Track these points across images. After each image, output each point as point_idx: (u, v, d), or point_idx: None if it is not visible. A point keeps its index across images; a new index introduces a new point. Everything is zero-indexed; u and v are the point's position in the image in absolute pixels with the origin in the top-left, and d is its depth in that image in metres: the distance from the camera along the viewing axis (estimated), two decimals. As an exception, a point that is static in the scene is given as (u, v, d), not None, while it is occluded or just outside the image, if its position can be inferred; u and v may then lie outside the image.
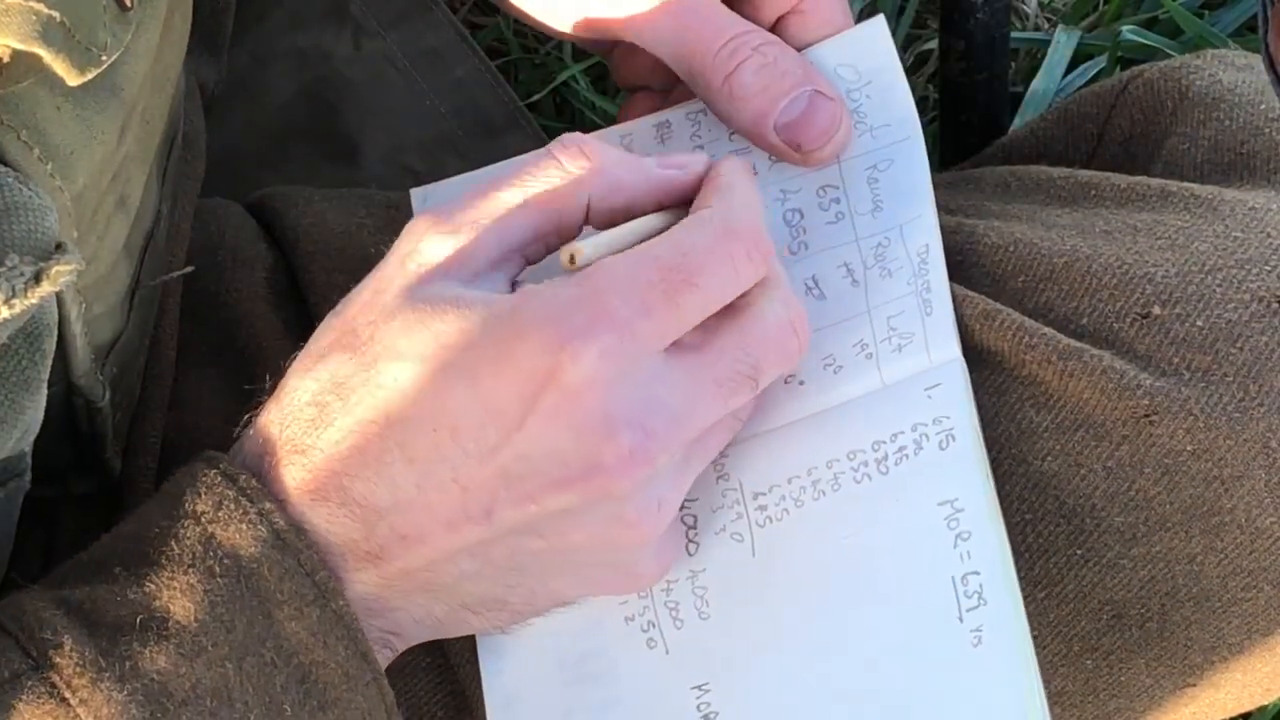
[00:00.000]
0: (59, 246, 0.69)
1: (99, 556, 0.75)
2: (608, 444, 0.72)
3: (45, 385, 0.74)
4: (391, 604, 0.75)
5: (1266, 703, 0.88)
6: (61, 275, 0.68)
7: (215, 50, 1.07)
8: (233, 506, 0.73)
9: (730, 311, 0.76)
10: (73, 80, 0.69)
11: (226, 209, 0.98)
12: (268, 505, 0.73)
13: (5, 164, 0.69)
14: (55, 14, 0.67)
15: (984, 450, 0.79)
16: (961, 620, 0.77)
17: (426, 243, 0.75)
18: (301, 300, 0.93)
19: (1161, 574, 0.81)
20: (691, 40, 0.84)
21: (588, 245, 0.74)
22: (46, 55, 0.67)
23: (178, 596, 0.72)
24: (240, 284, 0.94)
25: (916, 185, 0.83)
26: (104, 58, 0.70)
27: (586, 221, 0.77)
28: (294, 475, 0.74)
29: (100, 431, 0.85)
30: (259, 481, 0.74)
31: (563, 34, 0.87)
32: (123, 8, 0.71)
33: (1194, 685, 0.83)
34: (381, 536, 0.73)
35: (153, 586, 0.72)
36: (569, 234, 0.77)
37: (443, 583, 0.75)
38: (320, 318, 0.91)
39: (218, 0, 1.07)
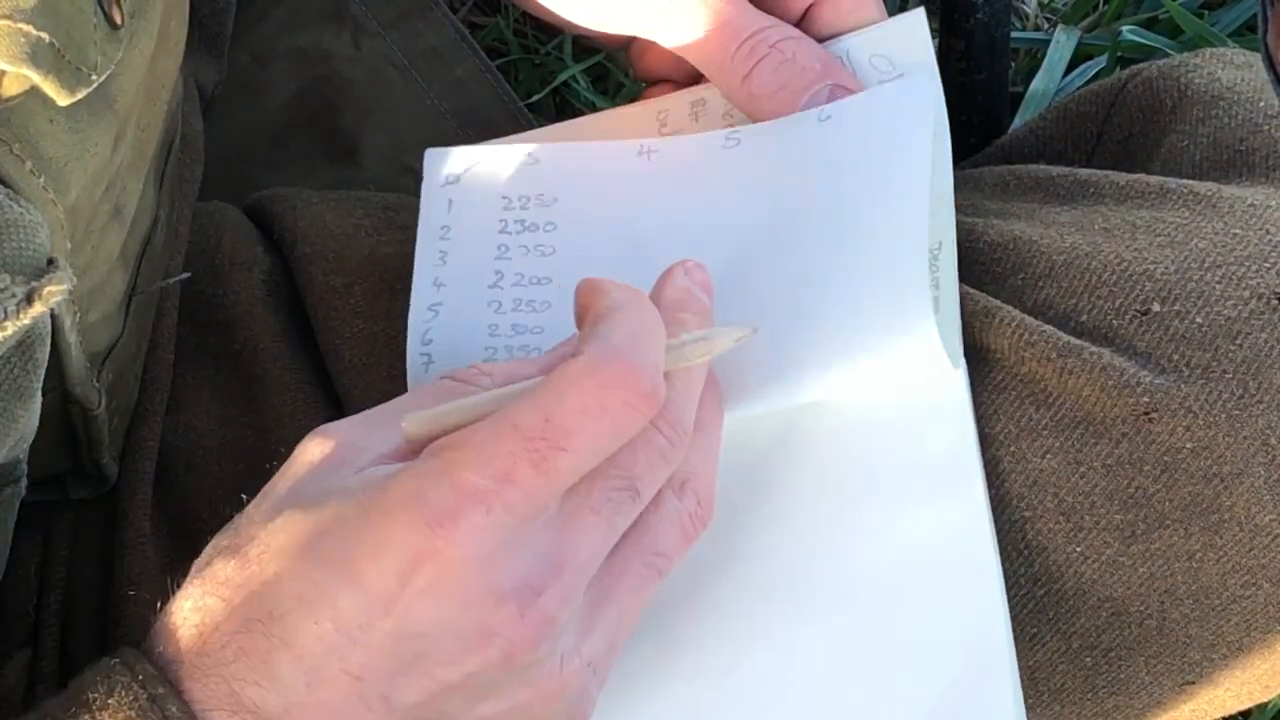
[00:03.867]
0: (51, 263, 0.68)
1: None
2: (497, 611, 0.69)
3: (39, 393, 0.73)
4: None
5: (1266, 700, 0.88)
6: (54, 295, 0.67)
7: (215, 51, 1.07)
8: (124, 693, 0.69)
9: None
10: (63, 100, 0.68)
11: (224, 212, 0.98)
12: (161, 691, 0.69)
13: None
14: (44, 36, 0.66)
15: (982, 469, 0.80)
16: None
17: (317, 441, 0.73)
18: (299, 303, 0.93)
19: (1161, 571, 0.81)
20: (709, 39, 0.83)
21: (417, 417, 0.72)
22: (36, 77, 0.67)
23: None
24: (238, 287, 0.94)
25: (939, 180, 0.83)
26: (94, 77, 0.69)
27: None
28: (189, 685, 0.70)
29: (96, 437, 0.85)
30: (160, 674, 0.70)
31: (580, 28, 0.87)
32: (113, 26, 0.71)
33: (1193, 683, 0.83)
34: None
35: None
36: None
37: None
38: (318, 319, 0.92)
39: (218, 0, 1.07)
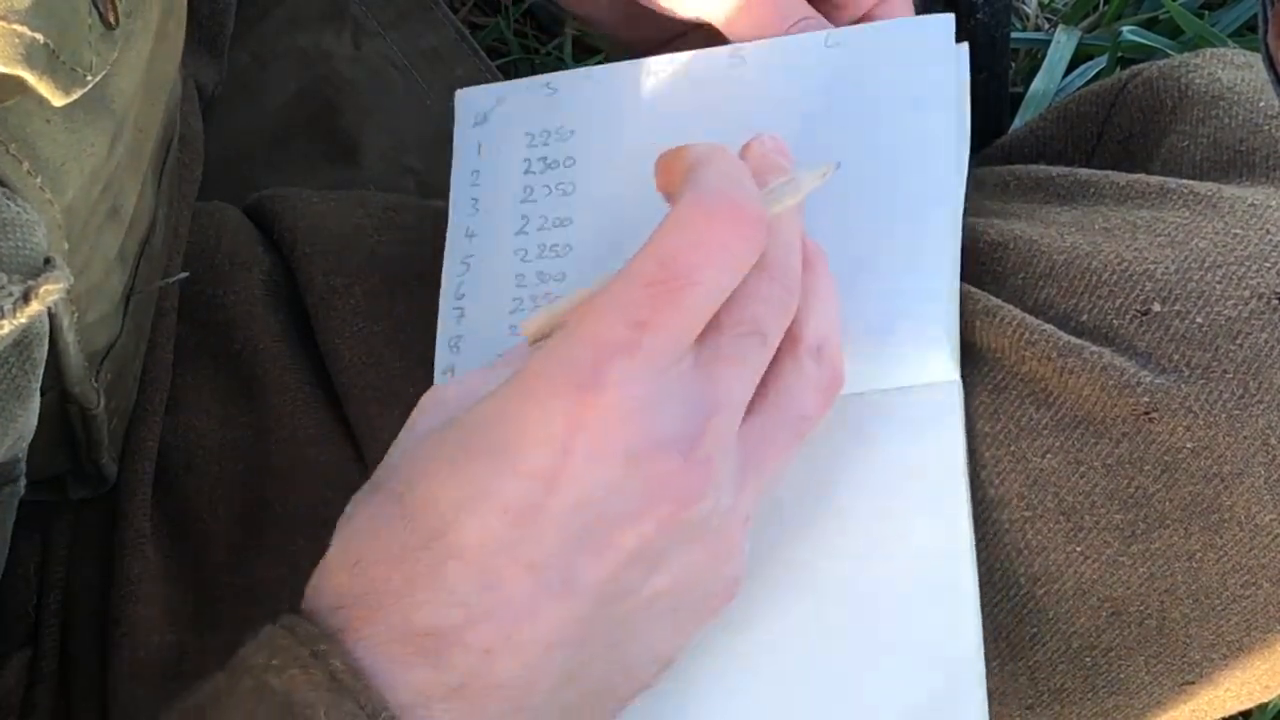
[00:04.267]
0: (48, 262, 0.68)
1: None
2: (661, 462, 0.69)
3: (37, 393, 0.73)
4: None
5: (1266, 700, 0.88)
6: (50, 294, 0.67)
7: (215, 51, 1.07)
8: (287, 653, 0.68)
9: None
10: (58, 101, 0.68)
11: (224, 212, 0.97)
12: (323, 647, 0.68)
13: None
14: (39, 36, 0.66)
15: (968, 486, 0.80)
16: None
17: (436, 391, 0.73)
18: (299, 303, 0.93)
19: (1161, 571, 0.81)
20: (755, 23, 0.85)
21: (534, 316, 0.73)
22: (30, 78, 0.67)
23: None
24: (238, 287, 0.94)
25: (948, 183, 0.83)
26: (89, 78, 0.69)
27: None
28: (357, 630, 0.69)
29: (95, 437, 0.85)
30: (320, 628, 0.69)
31: (629, 23, 0.89)
32: (108, 26, 0.71)
33: (1193, 683, 0.83)
34: (462, 664, 0.69)
35: None
36: None
37: (542, 691, 0.70)
38: (318, 319, 0.92)
39: (218, 1, 1.07)
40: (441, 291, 0.87)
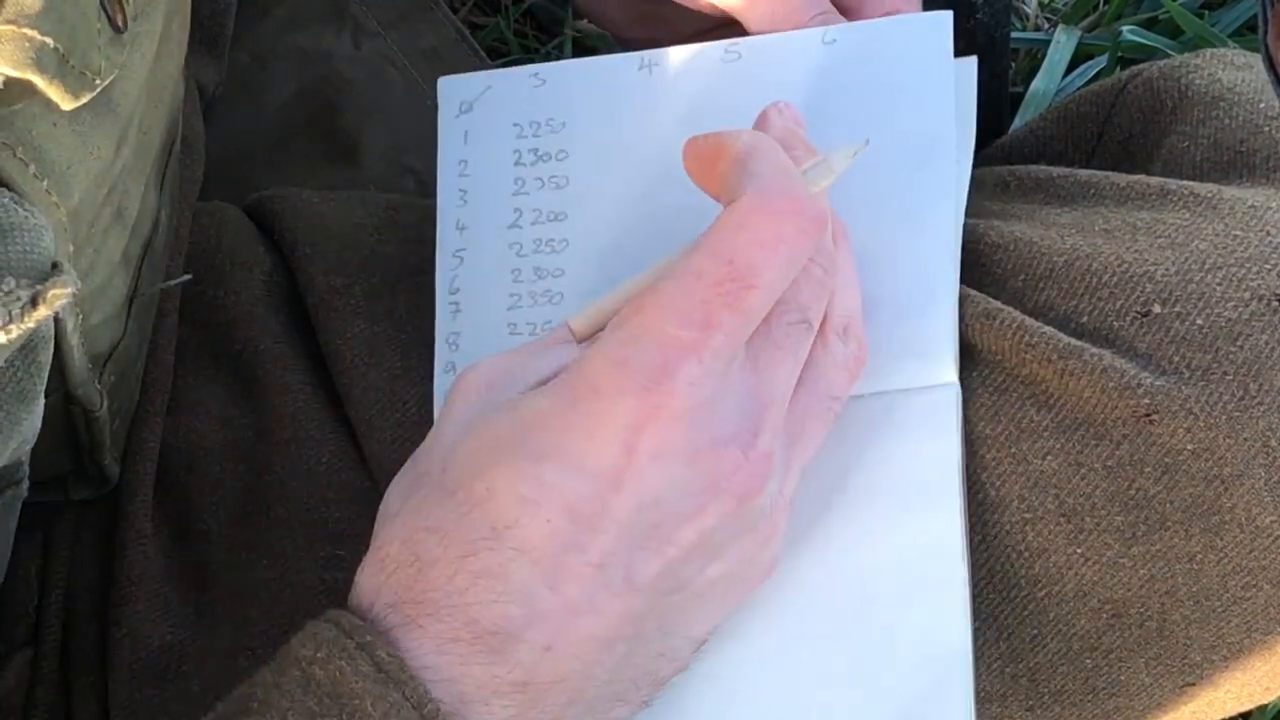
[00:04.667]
0: (55, 266, 0.68)
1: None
2: (723, 459, 0.70)
3: (42, 396, 0.73)
4: None
5: (1266, 702, 0.88)
6: (58, 299, 0.67)
7: (216, 51, 1.07)
8: (332, 645, 0.69)
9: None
10: (67, 105, 0.68)
11: (224, 212, 0.97)
12: (369, 638, 0.69)
13: (1, 183, 0.69)
14: (49, 41, 0.66)
15: (965, 488, 0.80)
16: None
17: (478, 371, 0.73)
18: (300, 303, 0.93)
19: (1161, 573, 0.81)
20: (783, 8, 0.84)
21: (583, 313, 0.74)
22: (41, 82, 0.67)
23: None
24: (238, 287, 0.94)
25: (945, 186, 0.83)
26: (98, 81, 0.69)
27: None
28: (411, 629, 0.70)
29: (98, 439, 0.85)
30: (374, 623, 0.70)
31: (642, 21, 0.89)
32: (117, 30, 0.71)
33: (1193, 684, 0.83)
34: (523, 660, 0.70)
35: None
36: None
37: (596, 683, 0.72)
38: (319, 320, 0.92)
39: (218, 1, 1.07)
40: (436, 286, 0.87)
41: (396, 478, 0.73)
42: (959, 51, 1.14)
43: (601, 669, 0.71)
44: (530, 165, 0.87)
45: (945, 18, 0.85)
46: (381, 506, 0.73)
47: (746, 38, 0.86)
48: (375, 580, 0.71)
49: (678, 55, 0.86)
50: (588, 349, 0.71)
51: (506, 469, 0.69)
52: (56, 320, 0.74)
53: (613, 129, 0.87)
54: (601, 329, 0.72)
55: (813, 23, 0.84)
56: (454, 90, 0.88)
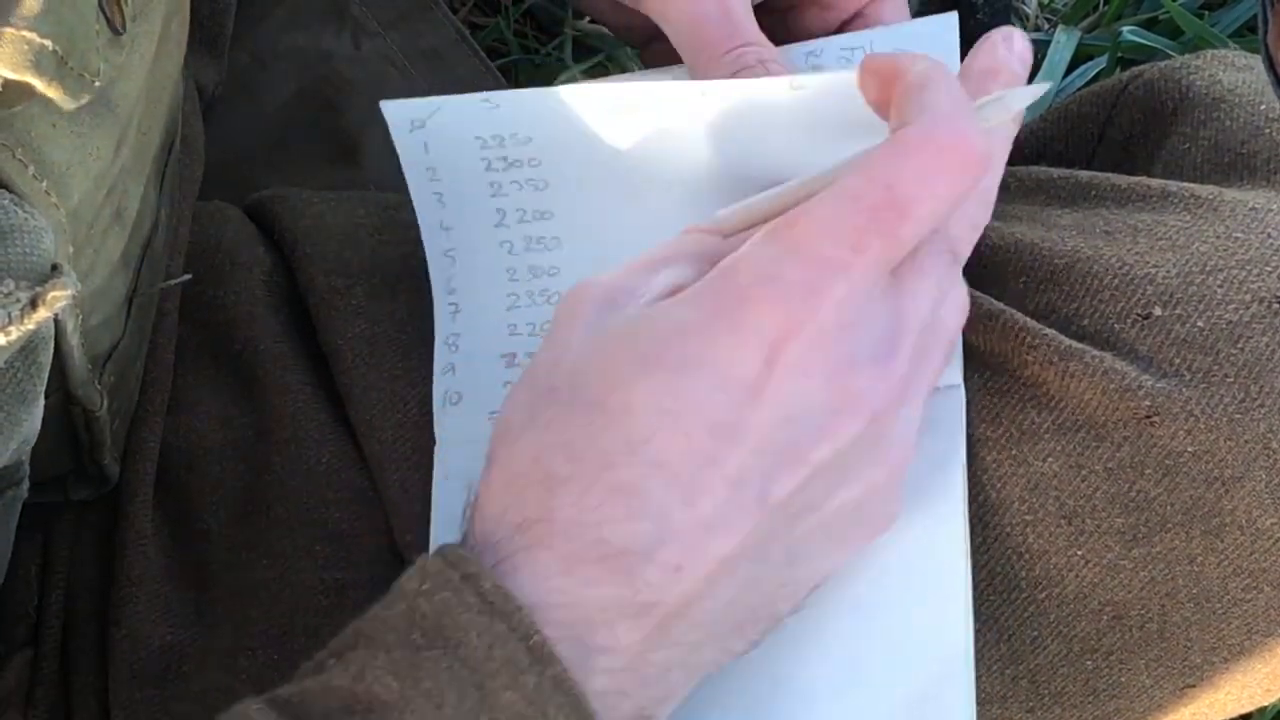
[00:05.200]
0: (55, 268, 0.68)
1: (318, 657, 0.70)
2: (862, 377, 0.69)
3: (42, 397, 0.73)
4: (668, 659, 0.70)
5: (1266, 704, 0.88)
6: (58, 301, 0.67)
7: (215, 51, 1.07)
8: (438, 578, 0.67)
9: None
10: (67, 106, 0.68)
11: (224, 212, 0.97)
12: (473, 569, 0.67)
13: (0, 184, 0.69)
14: (48, 43, 0.66)
15: (966, 492, 0.80)
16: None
17: (594, 287, 0.72)
18: (300, 303, 0.93)
19: (1162, 575, 0.81)
20: (701, 36, 0.84)
21: (731, 209, 0.72)
22: (40, 84, 0.67)
23: (383, 675, 0.66)
24: (238, 287, 0.94)
25: None
26: (97, 83, 0.69)
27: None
28: (537, 550, 0.68)
29: (98, 439, 0.85)
30: (485, 560, 0.68)
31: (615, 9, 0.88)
32: (115, 31, 0.71)
33: (1194, 686, 0.83)
34: (653, 579, 0.68)
35: (357, 669, 0.67)
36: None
37: (717, 607, 0.70)
38: (319, 320, 0.92)
39: (217, 1, 1.07)
40: (433, 286, 0.87)
41: (512, 397, 0.71)
42: (961, 52, 1.14)
43: (726, 591, 0.69)
44: (502, 170, 0.86)
45: (951, 19, 0.85)
46: (499, 427, 0.71)
47: (723, 82, 0.83)
48: (502, 500, 0.69)
49: (641, 92, 0.84)
50: (733, 262, 0.69)
51: (646, 382, 0.68)
52: (56, 321, 0.74)
53: (582, 142, 0.85)
54: (745, 230, 0.72)
55: (726, 59, 0.83)
56: (400, 113, 0.87)
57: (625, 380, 0.68)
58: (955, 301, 0.75)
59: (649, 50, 0.92)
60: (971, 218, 0.76)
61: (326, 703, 0.67)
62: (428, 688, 0.66)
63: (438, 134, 0.86)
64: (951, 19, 0.85)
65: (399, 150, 0.87)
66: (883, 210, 0.69)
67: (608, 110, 0.83)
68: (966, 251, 0.76)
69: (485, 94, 0.86)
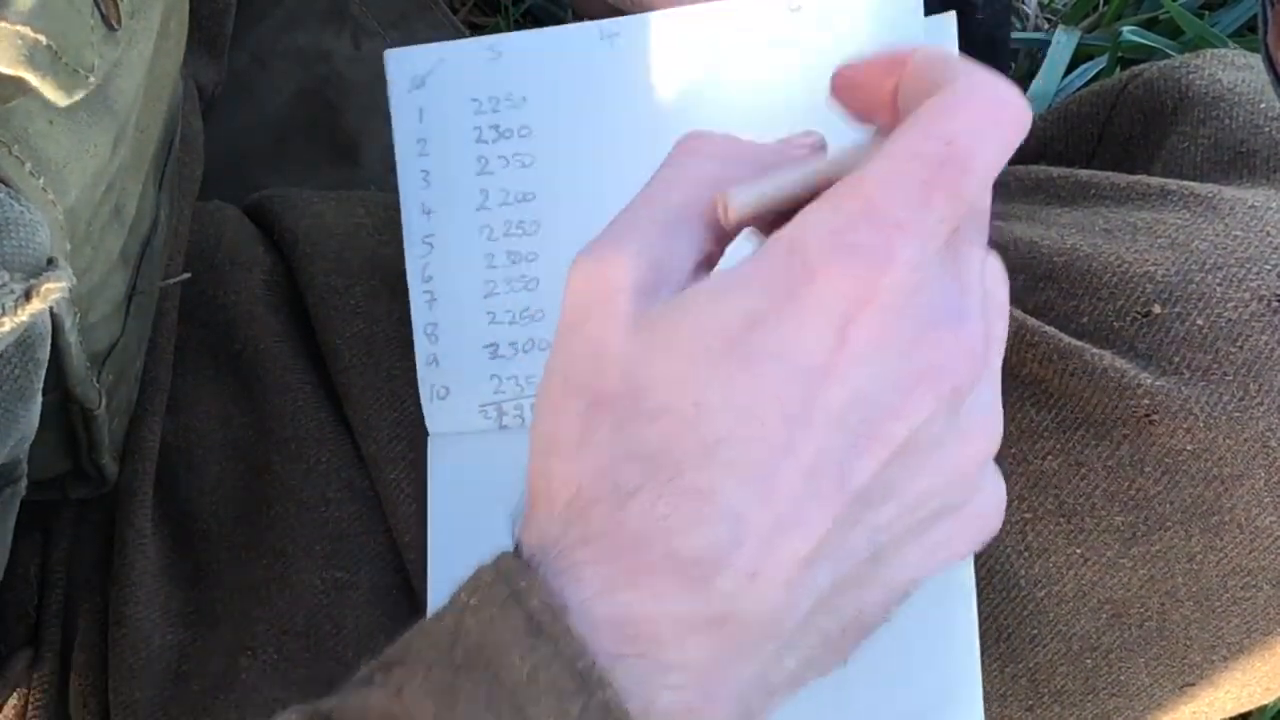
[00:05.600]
0: (50, 262, 0.68)
1: (370, 667, 0.65)
2: (935, 346, 0.64)
3: (40, 393, 0.73)
4: (742, 683, 0.64)
5: (1266, 702, 0.88)
6: (52, 293, 0.67)
7: (215, 51, 1.07)
8: (488, 591, 0.63)
9: None
10: (60, 102, 0.68)
11: (224, 212, 0.97)
12: (523, 585, 0.62)
13: None
14: (41, 38, 0.66)
15: None
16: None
17: (609, 277, 0.65)
18: (299, 303, 0.93)
19: (1161, 573, 0.81)
20: None
21: (740, 191, 0.66)
22: (33, 79, 0.67)
23: (419, 696, 0.62)
24: (238, 287, 0.94)
25: None
26: (91, 79, 0.69)
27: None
28: (602, 565, 0.63)
29: (97, 438, 0.85)
30: (542, 578, 0.63)
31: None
32: (110, 28, 0.71)
33: (1193, 684, 0.83)
34: (727, 588, 0.63)
35: (396, 685, 0.63)
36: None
37: (796, 615, 0.65)
38: (319, 319, 0.92)
39: (218, 1, 1.07)
40: (409, 275, 0.85)
41: (554, 407, 0.65)
42: (961, 52, 1.14)
43: (805, 598, 0.64)
44: (492, 143, 0.84)
45: (949, 18, 0.85)
46: (543, 441, 0.65)
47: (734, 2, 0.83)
48: (564, 517, 0.63)
49: (640, 24, 0.83)
50: (798, 234, 0.63)
51: (718, 379, 0.63)
52: (54, 317, 0.74)
53: (574, 102, 0.84)
54: (761, 216, 0.67)
55: None
56: (404, 64, 0.84)
57: (694, 379, 0.63)
58: (996, 271, 0.70)
59: None
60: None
61: (364, 718, 0.62)
62: (463, 710, 0.62)
63: (435, 95, 0.85)
64: (950, 19, 0.85)
65: (393, 113, 0.85)
66: (947, 165, 0.64)
67: (604, 45, 0.83)
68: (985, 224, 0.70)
69: (490, 39, 0.84)
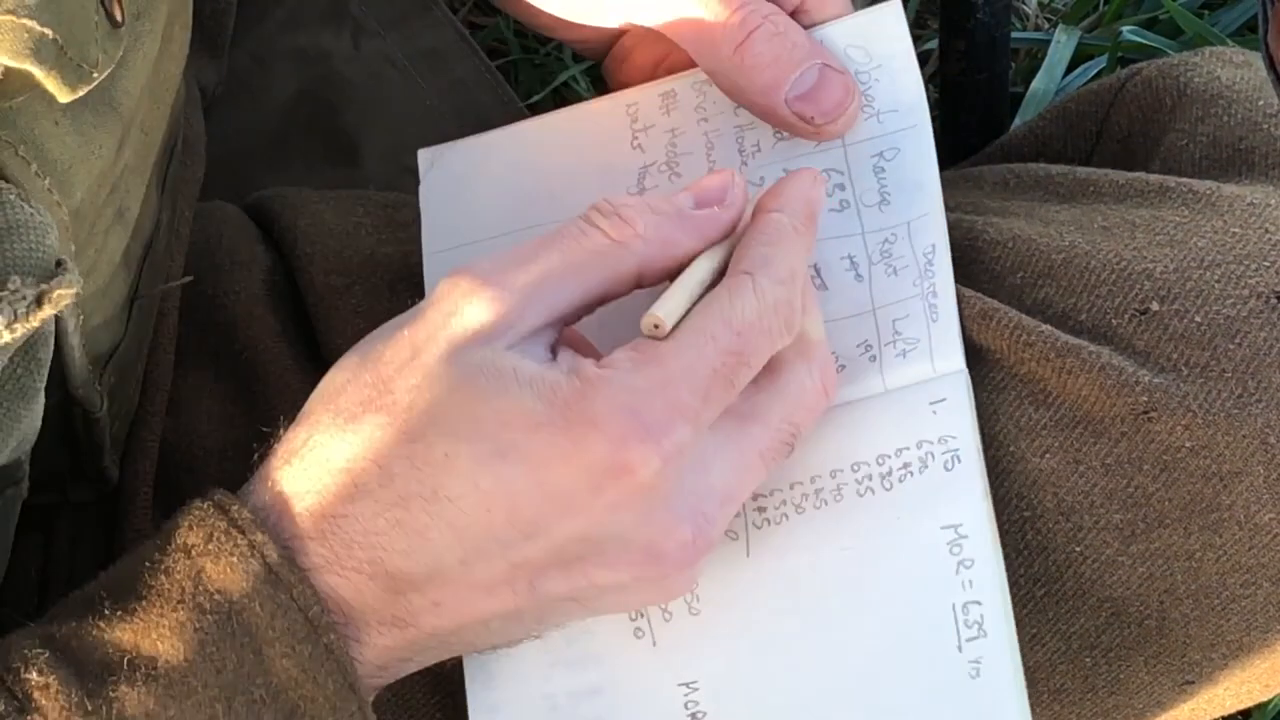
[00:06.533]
0: (59, 264, 0.68)
1: (91, 591, 0.74)
2: (672, 534, 0.72)
3: (42, 394, 0.73)
4: (408, 659, 0.75)
5: (1265, 700, 0.88)
6: (63, 299, 0.68)
7: (215, 52, 1.07)
8: (224, 539, 0.71)
9: (768, 375, 0.75)
10: (64, 97, 0.69)
11: (224, 211, 0.97)
12: (259, 537, 0.71)
13: (4, 179, 0.69)
14: (48, 32, 0.67)
15: (985, 471, 0.79)
16: (960, 650, 0.77)
17: (472, 304, 0.73)
18: (300, 302, 0.93)
19: (1160, 571, 0.81)
20: (699, 10, 0.83)
21: (665, 311, 0.73)
22: (39, 73, 0.67)
23: (166, 635, 0.71)
24: (238, 286, 0.94)
25: (924, 179, 0.83)
26: (95, 75, 0.70)
27: (638, 286, 0.76)
28: (318, 539, 0.72)
29: (98, 440, 0.85)
30: (271, 530, 0.72)
31: (561, 23, 0.87)
32: (114, 24, 0.71)
33: (1193, 682, 0.83)
34: (413, 605, 0.73)
35: (141, 624, 0.71)
36: (615, 298, 0.76)
37: (465, 640, 0.75)
38: (319, 319, 0.92)
39: (218, 1, 1.07)
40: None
41: (348, 364, 0.73)
42: (960, 52, 1.14)
43: (472, 634, 0.74)
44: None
45: (895, 6, 0.85)
46: (326, 387, 0.73)
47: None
48: (308, 478, 0.72)
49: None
50: (597, 379, 0.71)
51: (474, 451, 0.71)
52: (57, 319, 0.75)
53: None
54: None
55: (729, 23, 0.82)
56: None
57: (458, 438, 0.71)
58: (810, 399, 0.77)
59: (610, 57, 0.91)
60: (816, 407, 0.77)
61: (106, 653, 0.70)
62: (210, 652, 0.70)
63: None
64: (896, 6, 0.85)
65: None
66: (731, 355, 0.73)
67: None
68: (802, 440, 0.77)
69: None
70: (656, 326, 0.73)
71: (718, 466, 0.73)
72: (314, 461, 0.72)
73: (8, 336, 0.67)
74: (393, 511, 0.71)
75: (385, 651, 0.73)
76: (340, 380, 0.73)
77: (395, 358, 0.73)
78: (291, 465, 0.73)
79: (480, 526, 0.71)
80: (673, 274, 0.76)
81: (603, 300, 0.75)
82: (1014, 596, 0.81)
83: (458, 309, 0.73)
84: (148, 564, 0.72)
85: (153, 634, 0.70)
